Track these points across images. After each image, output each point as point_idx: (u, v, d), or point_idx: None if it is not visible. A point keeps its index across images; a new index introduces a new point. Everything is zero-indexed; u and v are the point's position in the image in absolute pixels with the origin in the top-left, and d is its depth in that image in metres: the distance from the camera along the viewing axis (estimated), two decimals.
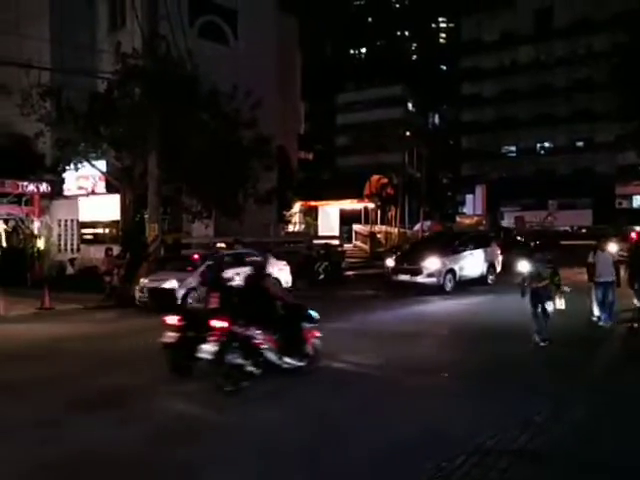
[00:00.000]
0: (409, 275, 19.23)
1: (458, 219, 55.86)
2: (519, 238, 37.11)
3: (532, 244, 21.57)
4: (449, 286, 18.90)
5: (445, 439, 6.13)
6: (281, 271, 18.16)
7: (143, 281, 16.65)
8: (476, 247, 20.63)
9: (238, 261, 17.39)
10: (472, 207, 60.36)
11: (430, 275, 18.74)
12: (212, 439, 6.36)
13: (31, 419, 6.94)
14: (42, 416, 7.07)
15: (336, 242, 29.78)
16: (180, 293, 15.98)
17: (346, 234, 36.61)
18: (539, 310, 10.67)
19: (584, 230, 46.74)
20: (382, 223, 39.43)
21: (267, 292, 8.42)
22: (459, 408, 7.19)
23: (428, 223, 44.28)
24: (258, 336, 7.89)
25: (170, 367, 8.57)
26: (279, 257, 19.48)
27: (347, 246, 33.14)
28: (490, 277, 20.68)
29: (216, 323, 7.75)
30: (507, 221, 55.54)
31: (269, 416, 6.95)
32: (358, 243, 36.10)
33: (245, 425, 6.75)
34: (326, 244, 25.36)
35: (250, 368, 7.79)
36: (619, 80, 51.86)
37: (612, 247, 23.35)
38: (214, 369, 7.77)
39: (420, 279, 18.89)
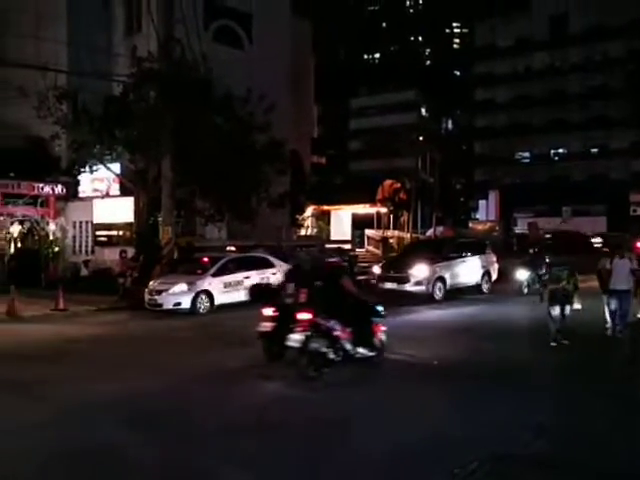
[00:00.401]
0: (396, 283, 18.22)
1: (471, 225, 55.59)
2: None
3: (531, 251, 20.73)
4: (439, 295, 17.98)
5: (458, 444, 6.08)
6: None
7: (152, 284, 16.73)
8: (470, 254, 19.74)
9: (248, 265, 17.36)
10: (485, 213, 60.11)
11: (418, 283, 17.78)
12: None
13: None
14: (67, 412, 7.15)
15: (348, 246, 29.76)
16: (189, 297, 16.03)
17: (358, 239, 36.58)
18: (556, 312, 10.85)
19: (599, 237, 46.31)
20: (394, 228, 39.34)
21: (344, 289, 9.37)
22: (474, 411, 7.14)
23: (441, 228, 44.11)
24: (337, 327, 8.88)
25: (264, 353, 9.67)
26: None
27: (359, 251, 33.11)
28: (485, 285, 19.86)
29: (302, 315, 8.73)
30: (520, 227, 55.18)
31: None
32: (370, 248, 36.00)
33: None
34: (339, 248, 25.33)
35: (331, 356, 8.79)
36: (634, 86, 51.65)
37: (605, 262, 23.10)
38: (300, 356, 8.69)
39: (408, 287, 17.91)
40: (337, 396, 7.98)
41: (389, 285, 18.38)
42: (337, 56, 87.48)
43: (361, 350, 9.14)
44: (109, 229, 24.45)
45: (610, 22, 56.84)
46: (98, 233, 24.44)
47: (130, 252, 19.26)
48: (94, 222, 24.36)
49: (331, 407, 7.49)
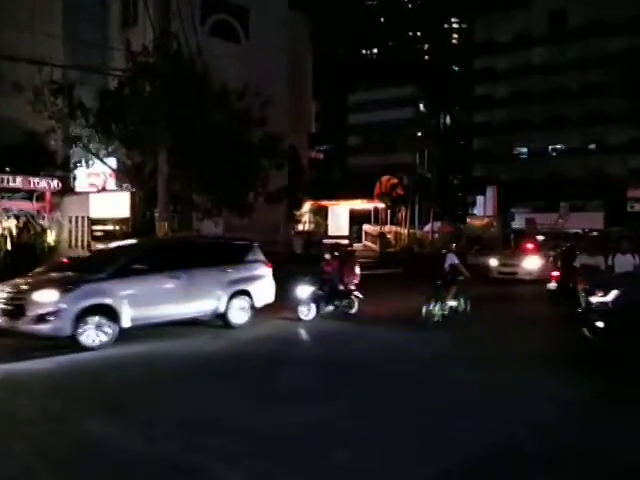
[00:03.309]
0: (8, 318, 10.27)
1: (469, 220, 55.66)
2: None
3: (327, 256, 14.48)
4: (93, 338, 10.22)
5: (451, 441, 6.06)
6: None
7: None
8: (198, 264, 12.04)
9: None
10: (483, 208, 60.13)
11: (40, 319, 9.91)
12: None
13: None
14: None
15: (346, 242, 29.74)
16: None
17: (356, 234, 36.62)
18: None
19: (595, 233, 46.39)
20: (392, 223, 39.37)
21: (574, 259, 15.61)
22: (466, 407, 7.13)
23: (438, 224, 44.18)
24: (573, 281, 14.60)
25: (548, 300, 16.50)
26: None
27: (357, 246, 33.12)
28: (239, 314, 12.53)
29: (554, 273, 16.47)
30: (518, 223, 55.25)
31: None
32: (368, 243, 36.07)
33: None
34: (336, 243, 25.28)
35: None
36: (633, 83, 51.60)
37: (492, 261, 23.13)
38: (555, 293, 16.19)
39: (23, 326, 10.06)
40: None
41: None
42: (335, 51, 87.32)
43: None
44: (105, 224, 24.39)
45: (609, 18, 56.84)
46: (94, 228, 24.35)
47: None
48: (90, 217, 24.29)
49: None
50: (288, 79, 29.81)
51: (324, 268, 14.03)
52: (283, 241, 25.85)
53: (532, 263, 22.04)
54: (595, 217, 52.63)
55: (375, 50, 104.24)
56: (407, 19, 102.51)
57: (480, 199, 61.32)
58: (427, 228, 42.89)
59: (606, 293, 9.11)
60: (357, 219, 38.50)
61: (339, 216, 38.94)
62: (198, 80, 18.03)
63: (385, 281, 23.95)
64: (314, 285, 13.43)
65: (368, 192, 38.51)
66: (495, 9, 65.85)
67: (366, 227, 37.42)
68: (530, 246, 23.06)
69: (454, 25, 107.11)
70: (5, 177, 21.64)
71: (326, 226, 38.32)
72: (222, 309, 12.31)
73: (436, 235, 42.04)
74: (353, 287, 14.06)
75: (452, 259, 13.44)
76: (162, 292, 11.32)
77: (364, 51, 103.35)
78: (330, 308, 13.73)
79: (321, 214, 38.90)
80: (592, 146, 61.07)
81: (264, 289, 13.30)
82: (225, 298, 12.30)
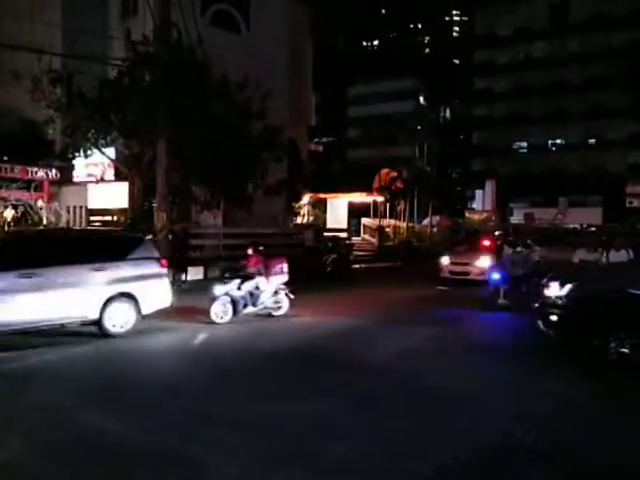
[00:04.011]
0: None
1: (467, 214, 55.68)
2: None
3: (250, 251, 12.67)
4: None
5: (447, 436, 6.03)
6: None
7: None
8: (63, 261, 9.79)
9: None
10: (482, 202, 60.19)
11: None
12: None
13: None
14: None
15: (344, 235, 29.70)
16: None
17: (354, 227, 36.55)
18: None
19: (593, 228, 46.45)
20: (391, 217, 39.30)
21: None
22: (459, 402, 7.09)
23: (437, 218, 44.16)
24: None
25: None
26: None
27: (355, 239, 33.05)
28: (119, 322, 10.36)
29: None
30: (516, 217, 55.32)
31: None
32: (366, 237, 35.98)
33: None
34: (334, 237, 25.27)
35: None
36: (634, 77, 51.51)
37: (444, 259, 20.73)
38: None
39: None
40: None
41: None
42: (336, 43, 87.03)
43: None
44: (103, 214, 24.33)
45: (611, 11, 56.70)
46: (92, 218, 24.31)
47: None
48: (88, 207, 24.23)
49: None
50: (288, 71, 29.63)
51: (245, 264, 12.31)
52: (282, 233, 25.78)
53: (487, 262, 18.36)
54: (594, 212, 52.75)
55: (376, 42, 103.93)
56: (408, 11, 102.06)
57: (479, 193, 61.39)
58: (426, 222, 42.87)
59: (562, 287, 9.26)
60: (356, 212, 38.36)
61: (338, 209, 38.80)
62: (198, 70, 17.93)
63: (382, 274, 23.98)
64: (234, 283, 11.81)
65: (367, 185, 38.39)
66: (496, 2, 65.63)
67: (365, 220, 37.32)
68: (486, 243, 19.71)
69: (455, 18, 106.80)
70: (3, 166, 21.58)
71: (325, 219, 38.22)
72: (95, 315, 10.08)
73: (435, 229, 42.02)
74: (282, 286, 12.37)
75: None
76: (9, 295, 9.16)
77: (365, 43, 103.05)
78: (252, 309, 11.99)
79: (320, 207, 38.78)
80: (592, 141, 61.03)
81: (155, 291, 11.03)
82: (99, 301, 10.12)
